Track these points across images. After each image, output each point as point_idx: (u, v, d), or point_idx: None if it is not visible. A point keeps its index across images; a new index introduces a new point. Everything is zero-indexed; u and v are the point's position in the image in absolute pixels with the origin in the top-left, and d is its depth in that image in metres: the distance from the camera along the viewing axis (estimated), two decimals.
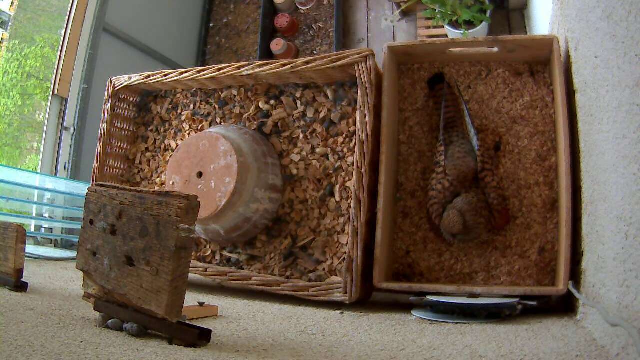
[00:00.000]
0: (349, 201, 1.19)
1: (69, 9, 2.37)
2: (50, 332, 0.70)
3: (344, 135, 1.23)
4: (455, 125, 1.17)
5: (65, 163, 2.29)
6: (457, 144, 1.12)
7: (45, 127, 2.29)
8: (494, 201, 1.07)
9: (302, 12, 3.10)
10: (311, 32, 3.04)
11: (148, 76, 1.44)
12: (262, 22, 3.06)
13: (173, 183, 1.26)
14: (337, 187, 1.21)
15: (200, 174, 1.23)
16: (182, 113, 1.46)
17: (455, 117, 1.18)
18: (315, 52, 2.99)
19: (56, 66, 2.33)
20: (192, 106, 1.45)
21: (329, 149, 1.24)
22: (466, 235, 1.07)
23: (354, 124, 1.22)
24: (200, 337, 0.70)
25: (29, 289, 1.01)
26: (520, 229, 1.12)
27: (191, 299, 1.09)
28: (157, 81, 1.43)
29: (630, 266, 0.65)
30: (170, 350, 0.67)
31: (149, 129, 1.52)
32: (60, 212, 2.22)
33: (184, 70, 1.38)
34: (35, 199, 2.10)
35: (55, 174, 2.26)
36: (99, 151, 1.46)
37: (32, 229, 2.15)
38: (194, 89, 1.46)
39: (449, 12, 2.29)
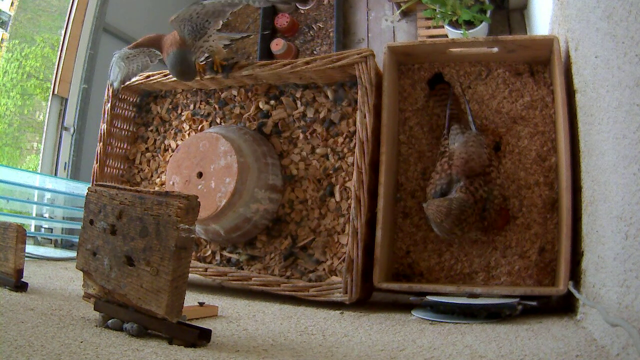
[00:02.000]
0: (349, 201, 1.19)
1: (69, 9, 2.37)
2: (50, 332, 0.70)
3: (344, 136, 1.23)
4: (460, 123, 1.17)
5: (65, 163, 2.29)
6: (471, 134, 1.11)
7: (45, 127, 2.29)
8: (495, 200, 1.06)
9: (302, 12, 3.10)
10: (311, 32, 3.04)
11: (148, 76, 1.44)
12: (262, 22, 3.06)
13: (173, 183, 1.26)
14: (337, 187, 1.21)
15: (200, 174, 1.23)
16: (182, 113, 1.46)
17: (460, 115, 1.18)
18: (315, 52, 2.99)
19: (56, 66, 2.33)
20: (192, 106, 1.45)
21: (329, 149, 1.24)
22: (444, 232, 1.03)
23: (354, 124, 1.22)
24: (200, 337, 0.70)
25: (29, 289, 1.01)
26: (520, 229, 1.12)
27: (191, 299, 1.09)
28: (157, 81, 1.43)
29: (630, 266, 0.65)
30: (170, 350, 0.67)
31: (149, 129, 1.52)
32: (60, 212, 2.22)
33: None
34: (35, 199, 2.10)
35: (55, 174, 2.25)
36: (99, 151, 1.46)
37: (32, 229, 2.15)
38: (194, 89, 1.46)
39: (449, 12, 2.29)
